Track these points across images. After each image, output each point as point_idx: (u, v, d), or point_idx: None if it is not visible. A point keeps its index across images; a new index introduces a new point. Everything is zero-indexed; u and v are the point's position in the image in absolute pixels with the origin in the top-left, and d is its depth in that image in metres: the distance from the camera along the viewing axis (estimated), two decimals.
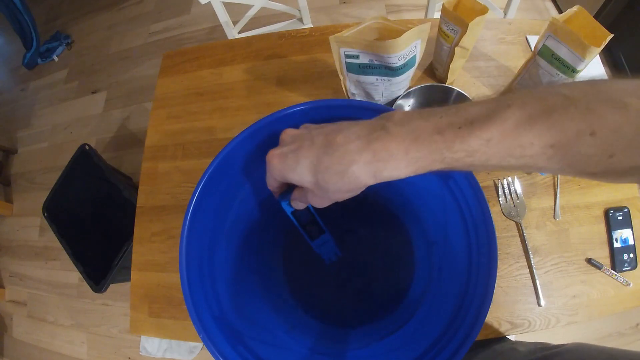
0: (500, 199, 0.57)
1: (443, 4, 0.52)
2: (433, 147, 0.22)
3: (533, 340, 0.50)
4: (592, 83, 0.21)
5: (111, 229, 1.21)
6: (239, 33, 1.11)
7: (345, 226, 0.51)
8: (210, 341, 0.33)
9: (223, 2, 0.98)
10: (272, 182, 0.30)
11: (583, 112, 0.20)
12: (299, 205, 0.31)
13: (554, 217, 0.56)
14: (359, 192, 0.26)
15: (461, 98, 0.58)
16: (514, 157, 0.21)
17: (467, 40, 0.54)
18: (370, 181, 0.24)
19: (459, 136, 0.21)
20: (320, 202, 0.28)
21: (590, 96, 0.20)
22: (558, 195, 0.57)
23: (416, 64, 0.55)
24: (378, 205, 0.51)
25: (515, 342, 0.52)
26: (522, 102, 0.21)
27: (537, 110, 0.20)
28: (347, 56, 0.52)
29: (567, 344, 0.40)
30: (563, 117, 0.20)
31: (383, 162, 0.23)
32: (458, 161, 0.22)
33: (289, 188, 0.32)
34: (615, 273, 0.53)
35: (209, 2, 0.95)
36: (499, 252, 0.34)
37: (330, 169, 0.24)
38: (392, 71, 0.52)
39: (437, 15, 1.00)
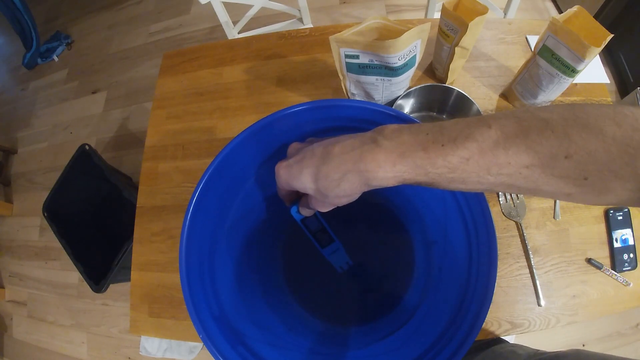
0: (500, 199, 0.57)
1: (443, 4, 0.52)
2: (418, 162, 0.23)
3: (534, 341, 0.50)
4: (571, 107, 0.22)
5: (111, 229, 1.22)
6: (239, 33, 1.11)
7: (346, 226, 0.51)
8: (210, 341, 0.33)
9: (223, 2, 0.98)
10: (282, 191, 0.33)
11: (559, 135, 0.21)
12: (306, 212, 0.34)
13: (554, 217, 0.56)
14: (355, 197, 0.28)
15: (461, 98, 0.58)
16: (492, 175, 0.23)
17: (467, 40, 0.54)
18: (364, 188, 0.26)
19: (441, 153, 0.23)
20: (323, 207, 0.30)
21: (568, 120, 0.21)
22: None
23: (416, 64, 0.55)
24: (378, 205, 0.51)
25: (515, 345, 0.52)
26: (501, 124, 0.22)
27: (514, 132, 0.22)
28: (347, 56, 0.52)
29: (566, 350, 0.40)
30: (539, 140, 0.21)
31: (373, 172, 0.25)
32: (440, 176, 0.24)
33: (298, 197, 0.34)
34: (615, 273, 0.53)
35: (209, 2, 0.95)
36: (499, 252, 0.34)
37: (328, 177, 0.26)
38: (392, 71, 0.52)
39: (437, 15, 1.00)
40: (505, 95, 0.64)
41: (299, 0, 1.06)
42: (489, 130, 0.22)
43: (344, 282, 0.50)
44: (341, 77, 0.59)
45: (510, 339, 0.68)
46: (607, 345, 1.10)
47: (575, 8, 0.49)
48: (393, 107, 0.45)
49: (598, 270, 0.53)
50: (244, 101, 0.70)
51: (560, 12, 1.56)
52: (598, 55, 0.50)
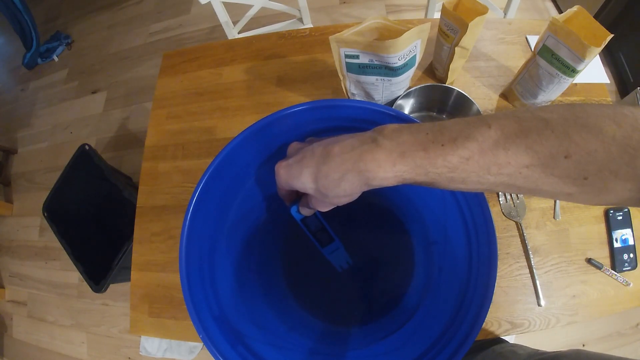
0: (500, 199, 0.57)
1: (443, 4, 0.52)
2: (417, 162, 0.23)
3: (534, 341, 0.50)
4: (571, 107, 0.22)
5: (111, 229, 1.22)
6: (239, 33, 1.11)
7: (346, 226, 0.51)
8: (210, 341, 0.33)
9: (223, 2, 0.98)
10: (282, 191, 0.33)
11: (559, 135, 0.21)
12: (306, 212, 0.34)
13: (554, 217, 0.56)
14: (355, 197, 0.28)
15: (461, 98, 0.58)
16: (492, 174, 0.23)
17: (467, 40, 0.54)
18: (364, 188, 0.26)
19: (441, 153, 0.23)
20: (323, 207, 0.30)
21: (568, 120, 0.21)
22: None
23: (416, 64, 0.55)
24: (378, 205, 0.51)
25: (515, 345, 0.52)
26: (501, 123, 0.22)
27: (514, 132, 0.22)
28: (347, 56, 0.52)
29: (566, 350, 0.40)
30: (539, 140, 0.21)
31: (373, 172, 0.25)
32: (440, 176, 0.24)
33: (298, 197, 0.34)
34: (615, 273, 0.53)
35: (209, 2, 0.95)
36: (499, 252, 0.34)
37: (328, 177, 0.26)
38: (392, 71, 0.52)
39: (437, 15, 1.00)
40: (505, 95, 0.64)
41: (299, 0, 1.06)
42: (489, 130, 0.22)
43: (344, 282, 0.51)
44: (341, 77, 0.59)
45: (510, 339, 0.68)
46: (607, 345, 1.10)
47: (575, 8, 0.49)
48: (393, 107, 0.45)
49: (598, 270, 0.53)
50: (244, 101, 0.70)
51: (560, 12, 1.56)
52: (598, 55, 0.50)
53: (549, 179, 0.22)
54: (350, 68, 0.55)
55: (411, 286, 0.46)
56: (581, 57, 0.47)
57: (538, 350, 0.46)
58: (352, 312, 0.49)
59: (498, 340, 0.54)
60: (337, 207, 0.30)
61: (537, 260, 0.54)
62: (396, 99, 0.60)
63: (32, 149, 1.72)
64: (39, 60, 1.89)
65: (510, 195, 0.57)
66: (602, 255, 0.54)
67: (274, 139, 0.39)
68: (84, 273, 1.01)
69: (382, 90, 0.58)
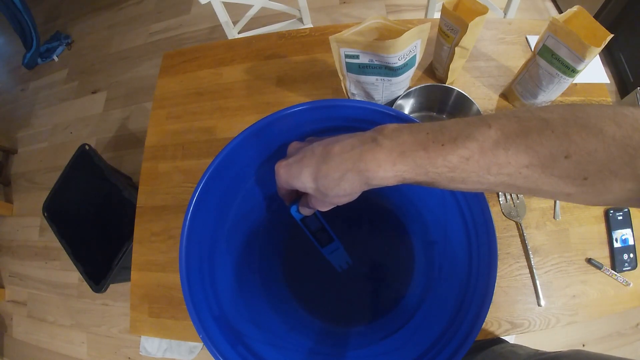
0: (500, 199, 0.57)
1: (443, 4, 0.52)
2: (418, 161, 0.23)
3: (534, 341, 0.50)
4: (571, 107, 0.22)
5: (111, 229, 1.21)
6: (239, 33, 1.11)
7: (346, 226, 0.51)
8: (210, 341, 0.33)
9: (223, 2, 0.98)
10: (282, 191, 0.33)
11: (559, 135, 0.21)
12: (306, 211, 0.34)
13: (554, 217, 0.56)
14: (355, 196, 0.28)
15: (461, 98, 0.58)
16: (492, 174, 0.23)
17: (467, 40, 0.54)
18: (363, 187, 0.26)
19: (441, 153, 0.23)
20: (323, 206, 0.30)
21: (568, 120, 0.21)
22: None
23: (416, 64, 0.55)
24: (378, 205, 0.51)
25: (515, 345, 0.52)
26: (501, 123, 0.22)
27: (514, 132, 0.22)
28: (347, 56, 0.52)
29: (566, 350, 0.40)
30: (539, 140, 0.21)
31: (373, 172, 0.25)
32: (440, 175, 0.24)
33: (298, 197, 0.34)
34: (615, 273, 0.53)
35: (209, 2, 0.95)
36: (499, 252, 0.34)
37: (328, 176, 0.26)
38: (392, 71, 0.52)
39: (437, 15, 1.00)
40: (505, 95, 0.64)
41: (299, 0, 1.06)
42: (489, 130, 0.22)
43: (344, 282, 0.50)
44: (341, 77, 0.59)
45: (510, 339, 0.68)
46: (607, 345, 1.10)
47: (575, 8, 0.49)
48: (393, 107, 0.45)
49: (598, 270, 0.53)
50: (244, 101, 0.70)
51: (560, 12, 1.56)
52: (598, 55, 0.50)
53: (548, 179, 0.22)
54: (350, 68, 0.55)
55: (411, 286, 0.46)
56: (581, 57, 0.47)
57: (538, 350, 0.46)
58: (352, 312, 0.49)
59: (498, 340, 0.54)
60: (337, 207, 0.30)
61: (537, 260, 0.54)
62: (396, 99, 0.60)
63: (32, 149, 1.72)
64: (39, 60, 1.89)
65: (510, 195, 0.57)
66: (602, 255, 0.54)
67: (274, 139, 0.39)
68: (84, 273, 1.01)
69: (382, 90, 0.58)
